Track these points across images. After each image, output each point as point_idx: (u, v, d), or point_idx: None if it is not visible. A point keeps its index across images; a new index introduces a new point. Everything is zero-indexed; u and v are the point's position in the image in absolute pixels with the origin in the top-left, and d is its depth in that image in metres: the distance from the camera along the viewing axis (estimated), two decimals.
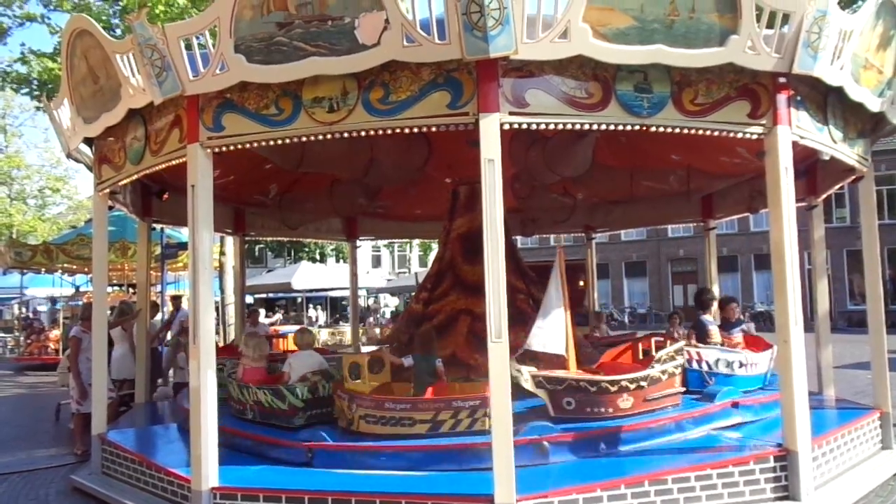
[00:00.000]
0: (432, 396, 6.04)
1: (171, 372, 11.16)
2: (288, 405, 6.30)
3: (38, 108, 20.41)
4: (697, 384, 7.00)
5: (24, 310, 27.79)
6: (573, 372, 6.25)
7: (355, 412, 5.93)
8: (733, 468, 5.25)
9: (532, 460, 5.38)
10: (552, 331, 6.04)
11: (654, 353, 6.76)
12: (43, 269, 19.15)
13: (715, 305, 8.35)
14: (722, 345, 7.55)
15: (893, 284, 29.40)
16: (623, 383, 6.13)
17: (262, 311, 20.41)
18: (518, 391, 5.57)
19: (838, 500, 5.53)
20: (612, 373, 6.40)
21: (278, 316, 29.90)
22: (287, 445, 5.96)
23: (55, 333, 19.79)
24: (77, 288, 21.34)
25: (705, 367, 7.14)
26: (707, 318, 7.90)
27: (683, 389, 6.67)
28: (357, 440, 5.81)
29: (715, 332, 7.67)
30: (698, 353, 7.21)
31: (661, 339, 7.27)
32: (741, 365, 7.28)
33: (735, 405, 6.64)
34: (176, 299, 12.33)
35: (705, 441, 6.01)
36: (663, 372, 6.42)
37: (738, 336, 7.85)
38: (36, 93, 16.03)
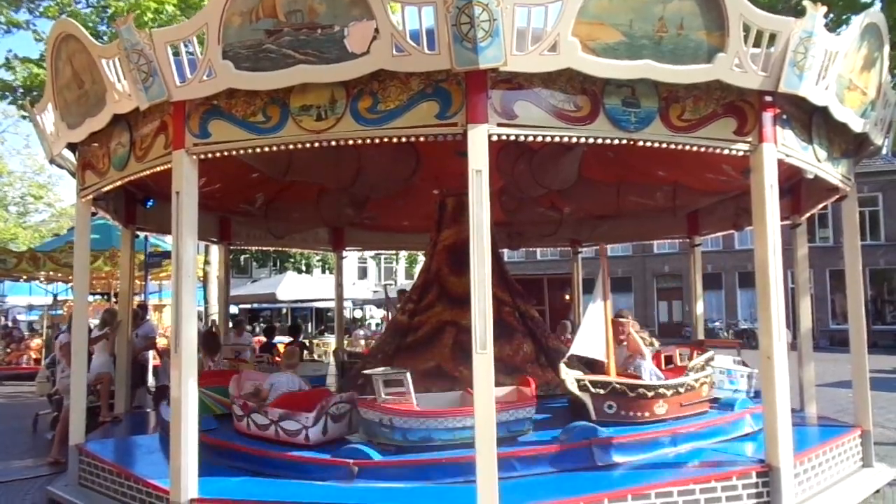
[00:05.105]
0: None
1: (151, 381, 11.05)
2: None
3: (23, 117, 20.17)
4: None
5: (3, 318, 27.40)
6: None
7: None
8: (716, 483, 5.25)
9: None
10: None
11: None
12: (23, 277, 18.83)
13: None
14: None
15: (875, 305, 29.71)
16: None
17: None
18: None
19: None
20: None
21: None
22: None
23: (36, 342, 19.44)
24: (55, 296, 20.99)
25: None
26: None
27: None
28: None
29: None
30: None
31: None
32: None
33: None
34: (142, 308, 11.64)
35: (689, 456, 6.00)
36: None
37: None
38: (21, 101, 15.87)
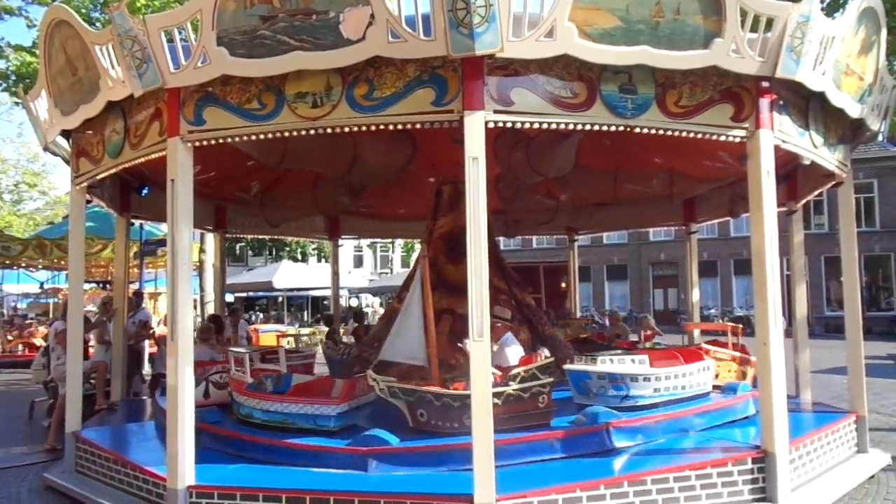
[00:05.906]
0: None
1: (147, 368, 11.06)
2: None
3: (16, 104, 19.97)
4: None
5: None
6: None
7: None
8: (711, 469, 5.27)
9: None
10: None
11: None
12: (20, 265, 18.63)
13: None
14: None
15: (870, 291, 29.82)
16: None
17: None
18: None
19: (814, 502, 5.58)
20: None
21: None
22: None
23: (42, 329, 19.26)
24: (41, 284, 20.70)
25: None
26: None
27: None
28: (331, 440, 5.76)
29: None
30: None
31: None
32: None
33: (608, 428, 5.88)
34: (137, 296, 11.51)
35: (683, 442, 6.02)
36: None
37: None
38: (13, 89, 15.71)
